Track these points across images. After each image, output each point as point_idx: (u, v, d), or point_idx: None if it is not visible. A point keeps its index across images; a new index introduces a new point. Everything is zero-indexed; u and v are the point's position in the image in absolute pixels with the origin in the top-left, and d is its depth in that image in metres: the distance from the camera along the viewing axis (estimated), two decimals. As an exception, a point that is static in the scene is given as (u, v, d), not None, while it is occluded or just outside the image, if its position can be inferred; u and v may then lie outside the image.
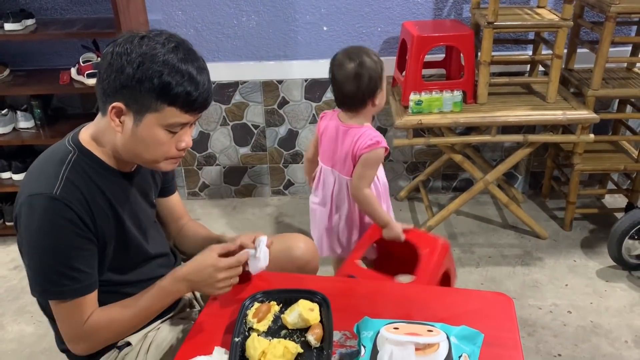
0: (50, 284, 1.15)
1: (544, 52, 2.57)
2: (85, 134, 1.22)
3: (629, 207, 2.54)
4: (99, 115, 1.21)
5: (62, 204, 1.11)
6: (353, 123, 1.79)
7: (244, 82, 2.78)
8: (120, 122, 1.14)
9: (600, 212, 2.75)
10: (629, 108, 2.66)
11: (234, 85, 2.79)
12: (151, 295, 1.25)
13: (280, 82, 2.78)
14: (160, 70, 1.07)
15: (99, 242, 1.20)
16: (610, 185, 2.85)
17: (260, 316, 1.22)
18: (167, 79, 1.08)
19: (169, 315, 1.39)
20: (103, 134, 1.20)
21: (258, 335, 1.18)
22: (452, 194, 3.02)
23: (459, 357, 1.02)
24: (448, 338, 1.05)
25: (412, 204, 2.95)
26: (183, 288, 1.26)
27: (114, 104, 1.11)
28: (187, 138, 1.18)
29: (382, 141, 1.74)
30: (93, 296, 1.20)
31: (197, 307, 1.51)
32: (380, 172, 1.89)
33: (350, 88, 1.72)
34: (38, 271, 1.15)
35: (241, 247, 1.32)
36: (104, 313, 1.21)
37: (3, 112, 2.61)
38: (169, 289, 1.25)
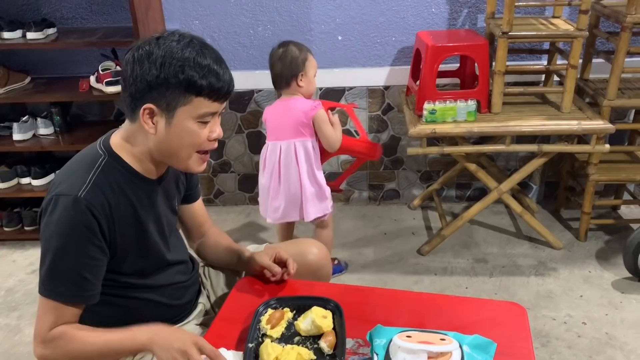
0: (53, 283, 1.17)
1: (559, 62, 2.57)
2: (116, 138, 1.26)
3: (645, 218, 2.52)
4: (126, 122, 1.24)
5: (84, 207, 1.14)
6: (288, 97, 2.19)
7: (260, 90, 2.81)
8: (153, 123, 1.18)
9: (615, 222, 2.72)
10: (645, 118, 2.64)
11: (250, 94, 2.82)
12: (117, 333, 1.19)
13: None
14: (182, 65, 1.12)
15: (114, 251, 1.22)
16: (626, 196, 2.82)
17: (273, 322, 1.23)
18: (191, 72, 1.13)
19: (186, 321, 1.40)
20: (133, 139, 1.23)
21: (271, 341, 1.19)
22: (465, 203, 3.01)
23: (472, 366, 1.03)
24: (461, 347, 1.06)
25: (425, 213, 2.95)
26: (144, 339, 1.17)
27: (145, 105, 1.16)
28: (217, 128, 1.23)
29: (319, 104, 2.16)
30: (77, 310, 1.20)
31: (212, 314, 1.52)
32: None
33: (278, 67, 2.15)
34: (46, 268, 1.17)
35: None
36: (74, 329, 1.18)
37: (24, 119, 2.66)
38: (132, 334, 1.19)
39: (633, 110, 2.71)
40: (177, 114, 1.16)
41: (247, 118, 2.88)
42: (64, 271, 1.16)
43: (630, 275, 2.35)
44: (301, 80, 2.14)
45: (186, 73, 1.12)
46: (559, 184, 2.87)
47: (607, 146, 2.31)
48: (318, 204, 2.22)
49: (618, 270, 2.40)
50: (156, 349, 1.15)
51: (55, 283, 1.17)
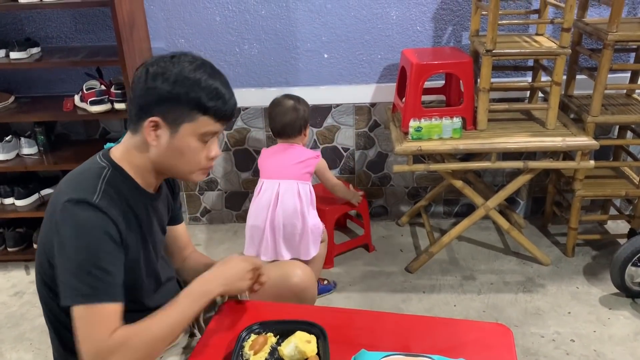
0: (81, 286, 1.09)
1: (543, 78, 2.59)
2: (117, 151, 1.26)
3: (632, 233, 2.53)
4: (127, 135, 1.25)
5: (101, 212, 1.13)
6: (288, 144, 2.36)
7: (246, 108, 2.81)
8: (157, 135, 1.19)
9: (602, 238, 2.73)
10: (629, 134, 2.66)
11: (236, 112, 2.81)
12: (181, 302, 1.19)
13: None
14: (194, 84, 1.17)
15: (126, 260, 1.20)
16: (613, 211, 2.84)
17: (257, 348, 1.21)
18: (201, 93, 1.17)
19: (171, 345, 1.38)
20: (135, 151, 1.24)
21: (255, 367, 1.17)
22: (453, 219, 3.01)
23: (456, 392, 1.01)
24: (445, 372, 1.05)
25: (413, 229, 2.94)
26: (215, 287, 1.25)
27: (151, 118, 1.18)
28: (216, 147, 1.28)
29: (319, 154, 2.39)
30: (120, 308, 1.14)
31: (198, 336, 1.50)
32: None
33: (291, 117, 2.31)
34: (70, 274, 1.11)
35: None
36: (133, 325, 1.13)
37: (7, 138, 2.63)
38: (200, 291, 1.22)
39: (617, 126, 2.73)
40: (181, 129, 1.19)
41: (233, 136, 2.87)
42: (92, 272, 1.10)
43: (617, 290, 2.35)
44: (306, 130, 2.38)
45: (197, 92, 1.17)
46: (546, 200, 2.88)
47: (592, 162, 2.33)
48: (317, 242, 2.30)
49: (605, 286, 2.41)
50: (226, 286, 1.28)
51: (88, 285, 1.10)
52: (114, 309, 1.12)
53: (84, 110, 2.52)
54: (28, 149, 2.68)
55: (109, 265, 1.14)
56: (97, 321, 1.09)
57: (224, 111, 1.22)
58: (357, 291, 2.47)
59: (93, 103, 2.47)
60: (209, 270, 1.29)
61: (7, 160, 2.63)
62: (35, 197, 2.71)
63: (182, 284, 1.52)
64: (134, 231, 1.23)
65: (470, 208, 2.95)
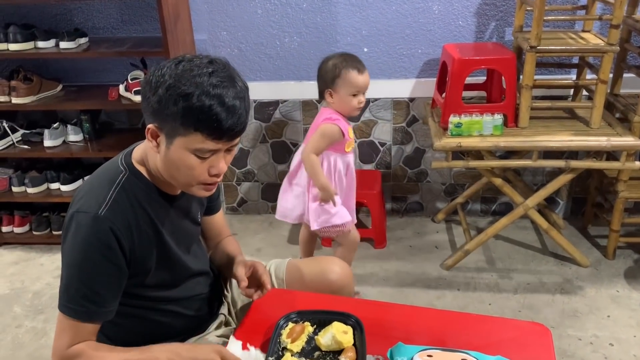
0: (70, 300, 1.17)
1: (588, 76, 2.52)
2: (137, 153, 1.26)
3: (677, 237, 2.46)
4: None
5: (104, 225, 1.14)
6: (323, 107, 2.21)
7: (285, 100, 2.83)
8: (157, 142, 1.16)
9: (645, 241, 2.66)
10: (678, 135, 2.58)
11: (275, 104, 2.84)
12: (137, 354, 1.20)
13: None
14: (188, 93, 1.07)
15: (135, 266, 1.22)
16: (657, 214, 2.76)
17: (294, 336, 1.23)
18: (193, 103, 1.07)
19: (206, 332, 1.41)
20: (148, 153, 1.23)
21: (292, 355, 1.19)
22: (490, 218, 2.97)
23: (494, 388, 1.01)
24: (483, 368, 1.04)
25: (449, 226, 2.92)
26: (164, 358, 1.18)
27: (149, 125, 1.15)
28: (219, 164, 1.17)
29: (336, 120, 2.08)
30: (94, 327, 1.20)
31: (233, 325, 1.53)
32: (343, 161, 2.19)
33: (318, 79, 2.17)
34: (64, 285, 1.18)
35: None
36: (92, 348, 1.18)
37: (54, 125, 2.73)
38: (153, 355, 1.19)
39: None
40: (175, 141, 1.12)
41: (271, 128, 2.90)
42: (80, 289, 1.16)
43: (660, 296, 2.29)
44: (331, 96, 2.09)
45: (187, 103, 1.07)
46: (587, 200, 2.82)
47: (638, 163, 2.26)
48: (317, 215, 2.16)
49: (647, 291, 2.35)
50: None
51: (71, 300, 1.17)
52: (88, 329, 1.19)
53: (128, 99, 2.59)
54: (74, 136, 2.77)
55: (101, 288, 1.17)
56: (69, 334, 1.18)
57: (219, 130, 1.09)
58: (390, 286, 2.47)
59: (137, 93, 2.53)
60: (182, 343, 1.26)
61: (54, 147, 2.72)
62: (79, 182, 2.80)
63: (215, 272, 1.54)
64: (148, 235, 1.22)
65: (508, 207, 2.91)
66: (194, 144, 1.11)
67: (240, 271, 1.35)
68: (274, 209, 3.10)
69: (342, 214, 2.18)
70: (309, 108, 2.83)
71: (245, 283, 1.33)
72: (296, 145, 2.93)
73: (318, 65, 2.15)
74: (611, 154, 2.41)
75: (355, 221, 2.30)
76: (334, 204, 2.13)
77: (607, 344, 2.07)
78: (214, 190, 1.24)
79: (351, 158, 2.22)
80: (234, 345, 1.26)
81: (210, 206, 1.50)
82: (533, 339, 1.26)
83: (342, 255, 2.26)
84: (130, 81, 2.59)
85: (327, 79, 2.08)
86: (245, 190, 3.07)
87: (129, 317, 1.29)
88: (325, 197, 2.11)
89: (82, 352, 1.18)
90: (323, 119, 2.10)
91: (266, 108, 2.85)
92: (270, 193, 3.07)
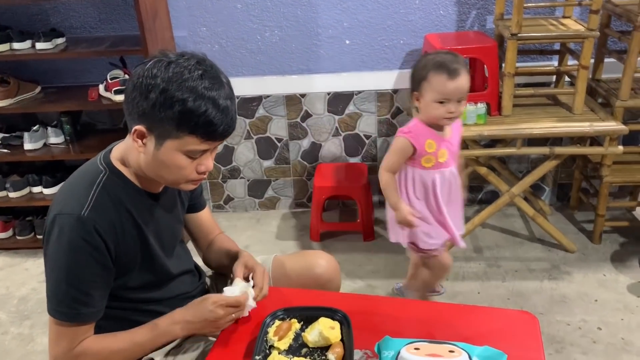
0: (59, 303, 1.17)
1: (570, 62, 2.53)
2: (116, 153, 1.25)
3: (661, 219, 2.48)
4: (127, 136, 1.23)
5: (89, 226, 1.14)
6: None
7: (268, 96, 2.81)
8: (143, 143, 1.16)
9: (630, 224, 2.68)
10: (659, 118, 2.60)
11: (258, 100, 2.82)
12: (146, 333, 1.25)
13: (303, 95, 2.79)
14: (182, 98, 1.08)
15: (119, 266, 1.22)
16: (642, 197, 2.78)
17: (281, 334, 1.22)
18: (189, 108, 1.08)
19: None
20: (130, 153, 1.22)
21: (279, 353, 1.18)
22: (477, 207, 2.98)
23: (481, 379, 1.01)
24: (470, 358, 1.04)
25: (436, 217, 2.92)
26: (179, 331, 1.27)
27: (137, 127, 1.13)
28: (207, 162, 1.19)
29: (407, 133, 1.79)
30: (92, 325, 1.22)
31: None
32: (428, 177, 1.82)
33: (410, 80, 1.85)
34: (52, 289, 1.18)
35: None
36: (96, 342, 1.22)
37: (34, 128, 2.68)
38: (164, 330, 1.26)
39: (647, 110, 2.66)
40: (165, 143, 1.13)
41: (255, 124, 2.87)
42: (69, 291, 1.16)
43: (646, 278, 2.31)
44: (417, 100, 1.77)
45: (184, 107, 1.07)
46: (572, 186, 2.83)
47: (621, 147, 2.28)
48: (392, 227, 1.93)
49: (634, 274, 2.36)
50: (191, 331, 1.27)
51: (61, 304, 1.17)
52: (84, 329, 1.20)
53: (109, 99, 2.55)
54: (55, 138, 2.72)
55: (90, 288, 1.17)
56: (66, 337, 1.19)
57: (214, 132, 1.12)
58: (379, 279, 2.47)
59: (117, 92, 2.50)
60: (184, 309, 1.27)
61: (34, 150, 2.68)
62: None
63: (202, 274, 1.53)
64: (131, 235, 1.23)
65: (495, 195, 2.91)
66: (186, 146, 1.12)
67: (239, 271, 1.36)
68: (261, 206, 3.09)
69: (424, 238, 1.88)
70: (292, 103, 2.81)
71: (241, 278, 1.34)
72: (281, 141, 2.91)
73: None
74: (595, 139, 2.42)
75: (454, 245, 1.99)
76: (410, 226, 1.83)
77: (595, 328, 2.09)
78: (199, 184, 1.26)
79: (441, 174, 1.82)
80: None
81: (194, 204, 1.49)
82: (520, 328, 1.26)
83: (423, 278, 2.05)
84: (110, 81, 2.55)
85: (414, 81, 1.78)
86: (232, 187, 3.05)
87: (111, 320, 1.27)
88: (400, 219, 1.83)
89: (87, 349, 1.20)
90: (400, 130, 1.83)
91: (250, 104, 2.83)
92: (257, 189, 3.05)
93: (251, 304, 1.29)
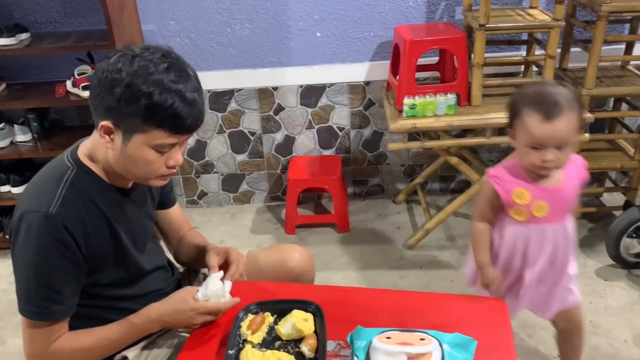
0: (30, 302, 1.16)
1: (537, 52, 2.57)
2: (83, 149, 1.23)
3: (627, 205, 2.54)
4: (94, 132, 1.21)
5: (57, 223, 1.12)
6: None
7: (239, 89, 2.79)
8: (111, 139, 1.14)
9: (598, 210, 2.74)
10: (624, 106, 2.66)
11: (230, 93, 2.80)
12: (122, 330, 1.25)
13: (275, 88, 2.78)
14: (149, 92, 1.07)
15: (91, 263, 1.21)
16: (608, 184, 2.84)
17: (254, 328, 1.22)
18: (156, 101, 1.07)
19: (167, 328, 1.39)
20: (97, 149, 1.21)
21: (252, 347, 1.18)
22: (450, 196, 3.02)
23: (451, 365, 1.03)
24: (441, 346, 1.06)
25: (410, 207, 2.95)
26: (156, 327, 1.28)
27: (103, 122, 1.12)
28: (176, 156, 1.18)
29: (493, 176, 1.47)
30: (65, 322, 1.21)
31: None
32: (517, 233, 1.49)
33: None
34: (22, 288, 1.16)
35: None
36: (71, 340, 1.21)
37: (0, 126, 2.62)
38: (141, 327, 1.26)
39: (612, 98, 2.72)
40: (133, 138, 1.12)
41: (227, 118, 2.86)
42: (39, 290, 1.15)
43: (613, 262, 2.37)
44: (513, 138, 1.44)
45: (150, 101, 1.06)
46: (542, 174, 2.88)
47: (587, 135, 2.32)
48: (470, 273, 1.69)
49: (601, 258, 2.42)
50: (172, 327, 1.29)
51: (32, 303, 1.15)
52: (57, 327, 1.19)
53: (77, 95, 2.50)
54: (22, 136, 2.66)
55: (61, 285, 1.16)
56: (40, 337, 1.18)
57: (181, 125, 1.11)
58: (354, 269, 2.48)
59: (85, 88, 2.45)
60: (161, 307, 1.26)
61: (1, 148, 2.62)
62: (31, 184, 2.70)
63: (174, 269, 1.52)
64: (102, 231, 1.22)
65: (467, 184, 2.95)
66: (154, 140, 1.11)
67: (213, 260, 1.35)
68: (235, 200, 3.08)
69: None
70: (265, 96, 2.80)
71: (216, 271, 1.34)
72: (255, 134, 2.90)
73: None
74: (562, 128, 2.47)
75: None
76: (490, 289, 1.53)
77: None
78: (169, 179, 1.25)
79: (540, 232, 1.48)
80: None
81: (164, 200, 1.48)
82: (490, 314, 1.29)
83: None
84: (77, 77, 2.50)
85: (509, 114, 1.44)
86: (205, 182, 3.03)
87: (84, 319, 1.26)
88: (483, 280, 1.55)
89: (62, 348, 1.19)
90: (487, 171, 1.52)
91: (221, 98, 2.80)
92: (231, 184, 3.03)
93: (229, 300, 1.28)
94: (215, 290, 1.26)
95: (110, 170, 1.22)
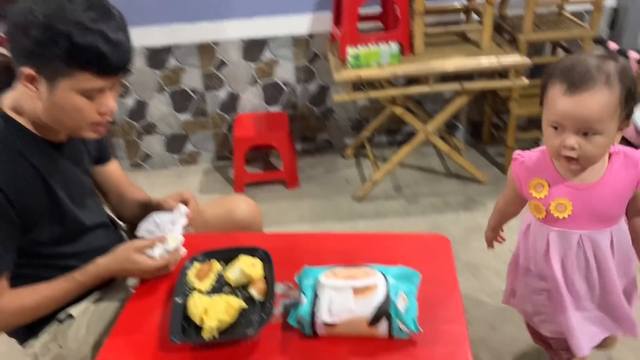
0: None
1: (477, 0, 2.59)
2: (7, 101, 1.16)
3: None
4: (17, 79, 1.14)
5: None
6: None
7: (178, 45, 2.69)
8: (36, 88, 1.08)
9: None
10: (560, 52, 2.73)
11: (168, 50, 2.70)
12: (66, 286, 1.22)
13: (216, 43, 2.70)
14: (68, 31, 1.01)
15: (25, 219, 1.16)
16: None
17: (201, 275, 1.21)
18: (76, 42, 1.02)
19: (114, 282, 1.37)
20: (23, 100, 1.14)
21: (201, 294, 1.17)
22: (396, 148, 3.04)
23: (396, 295, 1.05)
24: (385, 278, 1.08)
25: (358, 161, 2.97)
26: (100, 279, 1.25)
27: (24, 69, 1.06)
28: (108, 102, 1.13)
29: (517, 158, 1.31)
30: (6, 276, 1.17)
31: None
32: (541, 233, 1.31)
33: None
34: None
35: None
36: (15, 298, 1.18)
37: None
38: (84, 282, 1.23)
39: (550, 45, 2.79)
40: (59, 84, 1.06)
41: (167, 75, 2.76)
42: None
43: (551, 203, 2.47)
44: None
45: (71, 41, 1.01)
46: (484, 122, 2.95)
47: (526, 80, 2.38)
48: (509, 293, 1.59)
49: (541, 199, 2.52)
50: (114, 274, 1.25)
51: None
52: None
53: (3, 55, 2.35)
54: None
55: None
56: None
57: (107, 66, 1.06)
58: (305, 224, 2.49)
59: (11, 47, 2.31)
60: (108, 261, 1.23)
61: None
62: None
63: (117, 226, 1.49)
64: (35, 186, 1.17)
65: (413, 136, 2.99)
66: (81, 83, 1.06)
67: (171, 202, 1.36)
68: (181, 162, 3.01)
69: (535, 317, 1.43)
70: (206, 51, 2.71)
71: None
72: (197, 92, 2.82)
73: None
74: (502, 75, 2.51)
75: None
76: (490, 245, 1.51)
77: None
78: (103, 132, 1.20)
79: (560, 236, 1.26)
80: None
81: (101, 155, 1.42)
82: (434, 249, 1.31)
83: None
84: (3, 35, 2.34)
85: (542, 87, 1.19)
86: (148, 144, 2.94)
87: (23, 278, 1.21)
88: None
89: (4, 307, 1.15)
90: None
91: (159, 54, 2.70)
92: (175, 145, 2.96)
93: (182, 251, 1.27)
94: (173, 247, 1.24)
95: (39, 122, 1.16)
